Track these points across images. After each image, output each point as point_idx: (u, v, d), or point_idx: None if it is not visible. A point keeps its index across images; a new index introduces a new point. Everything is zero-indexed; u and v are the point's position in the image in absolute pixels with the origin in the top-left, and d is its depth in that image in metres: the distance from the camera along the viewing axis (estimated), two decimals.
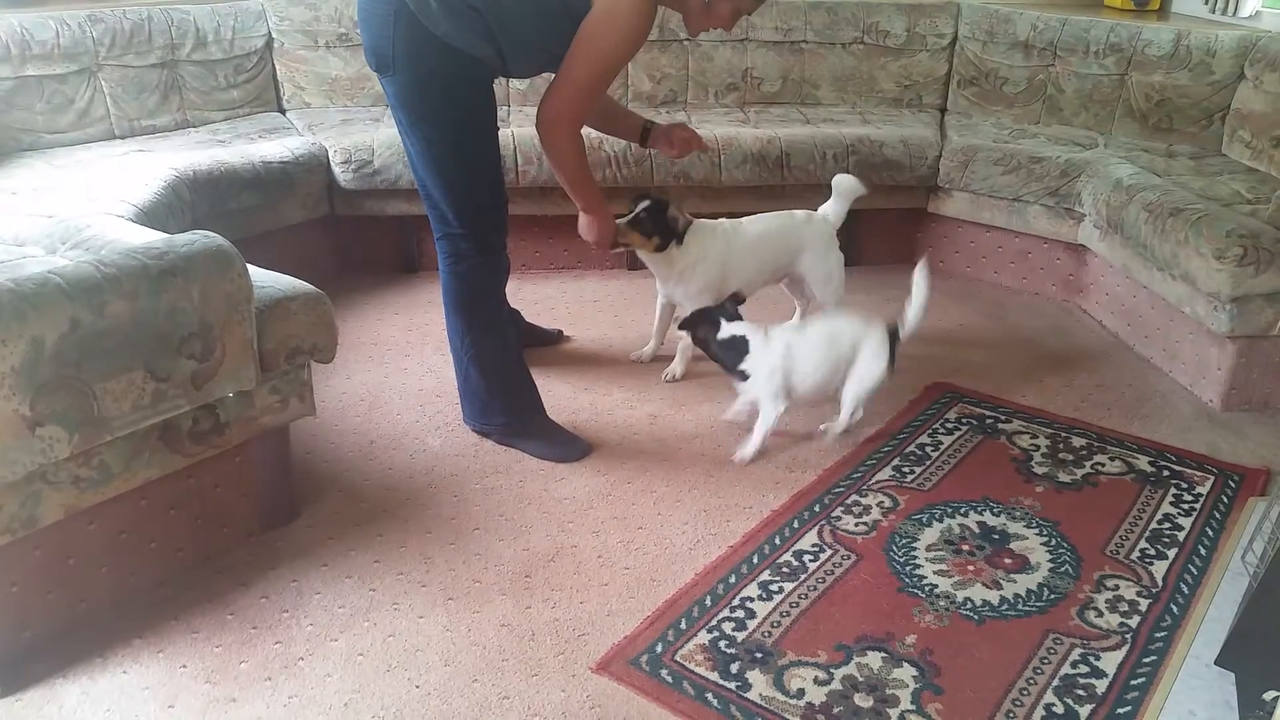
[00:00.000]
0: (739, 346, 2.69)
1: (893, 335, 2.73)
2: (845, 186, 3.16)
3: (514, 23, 2.36)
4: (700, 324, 2.77)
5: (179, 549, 2.17)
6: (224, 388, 2.06)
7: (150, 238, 2.20)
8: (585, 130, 2.64)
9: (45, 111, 3.35)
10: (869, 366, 2.69)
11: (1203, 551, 2.32)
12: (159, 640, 2.00)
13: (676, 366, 3.10)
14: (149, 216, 2.71)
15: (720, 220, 3.07)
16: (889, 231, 3.95)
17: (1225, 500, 2.52)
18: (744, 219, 3.10)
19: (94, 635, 1.99)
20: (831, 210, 3.17)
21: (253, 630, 2.03)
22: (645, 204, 2.88)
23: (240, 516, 2.28)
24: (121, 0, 3.64)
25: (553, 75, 2.48)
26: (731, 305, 2.77)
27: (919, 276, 2.74)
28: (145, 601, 2.09)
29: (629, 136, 3.03)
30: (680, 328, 2.87)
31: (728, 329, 2.71)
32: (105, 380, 1.82)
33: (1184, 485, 2.58)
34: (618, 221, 2.84)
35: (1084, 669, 1.96)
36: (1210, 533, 2.39)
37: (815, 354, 2.68)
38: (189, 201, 3.03)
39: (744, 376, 2.71)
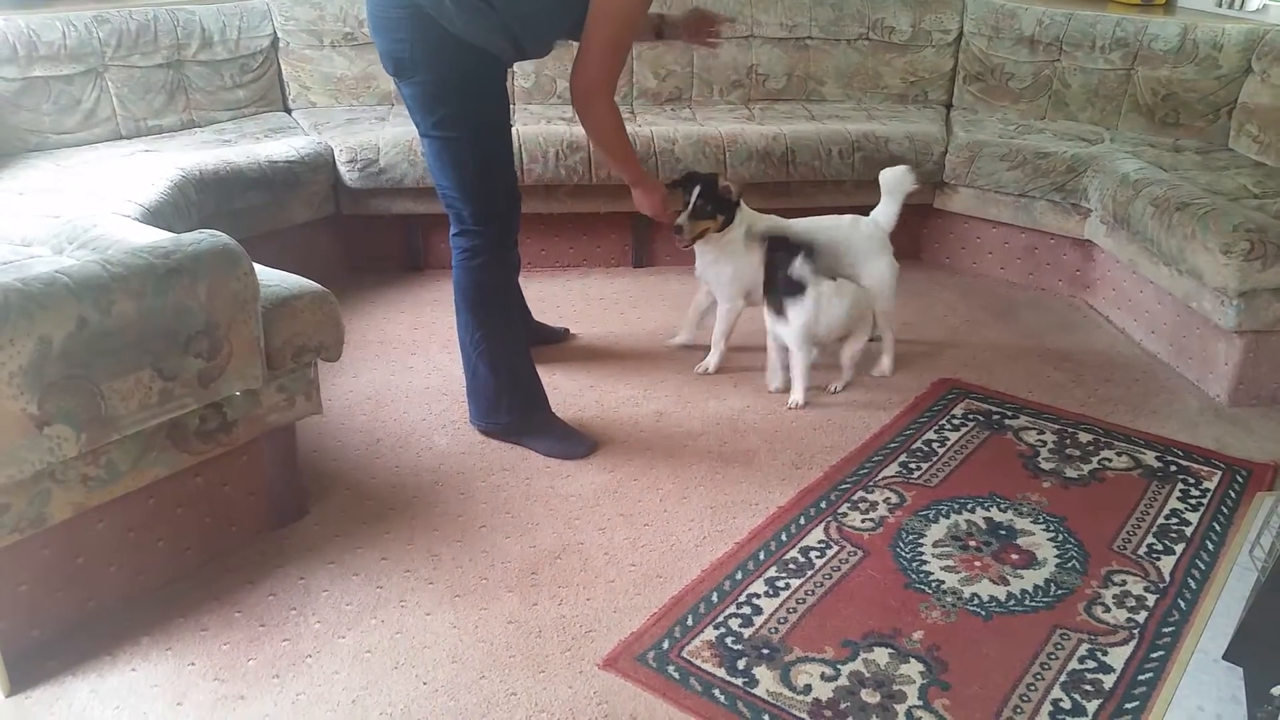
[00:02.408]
0: (795, 288, 2.81)
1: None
2: (891, 181, 3.12)
3: (528, 5, 2.37)
4: (783, 248, 2.84)
5: (187, 547, 2.18)
6: (231, 386, 2.07)
7: (157, 237, 2.21)
8: None
9: (52, 112, 3.36)
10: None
11: (1210, 546, 2.32)
12: (167, 638, 2.00)
13: (711, 359, 3.11)
14: (155, 216, 2.71)
15: (768, 215, 3.08)
16: (895, 228, 3.94)
17: (1233, 495, 2.51)
18: (793, 220, 3.10)
19: (103, 633, 2.00)
20: (882, 213, 3.13)
21: (261, 628, 2.04)
22: (697, 189, 2.89)
23: (248, 514, 2.29)
24: (127, 1, 3.65)
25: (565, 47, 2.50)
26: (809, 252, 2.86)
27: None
28: (153, 599, 2.10)
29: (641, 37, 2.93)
30: (768, 248, 2.90)
31: (799, 267, 2.80)
32: (113, 379, 1.83)
33: (1191, 480, 2.57)
34: (679, 222, 2.88)
35: (1091, 664, 1.96)
36: (1218, 528, 2.39)
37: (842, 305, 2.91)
38: (195, 201, 3.03)
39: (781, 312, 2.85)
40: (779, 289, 2.82)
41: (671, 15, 2.92)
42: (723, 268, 3.01)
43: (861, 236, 3.08)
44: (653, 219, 2.93)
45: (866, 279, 3.08)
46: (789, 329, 2.83)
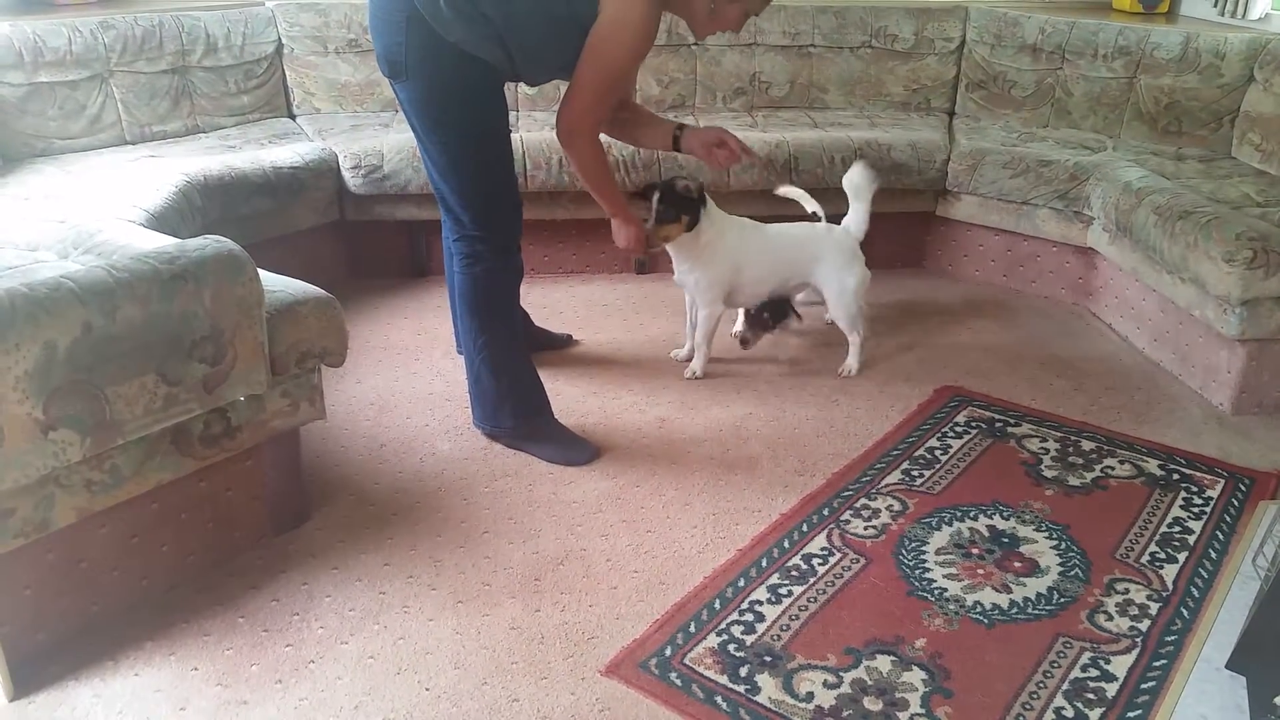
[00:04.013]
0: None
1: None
2: (856, 182, 3.14)
3: (523, 30, 2.37)
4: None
5: (190, 552, 2.18)
6: (235, 391, 2.07)
7: (162, 242, 2.22)
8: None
9: (57, 118, 3.37)
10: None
11: (1213, 555, 2.32)
12: (170, 643, 2.01)
13: (696, 363, 3.13)
14: (160, 221, 2.72)
15: (741, 218, 3.09)
16: (897, 235, 3.94)
17: (1236, 504, 2.51)
18: (767, 225, 3.12)
19: (106, 638, 2.01)
20: (852, 220, 3.15)
21: (264, 633, 2.04)
22: (657, 195, 2.90)
23: (251, 520, 2.29)
24: (133, 7, 3.67)
25: (565, 83, 2.50)
26: None
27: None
28: (157, 604, 2.10)
29: (658, 145, 2.92)
30: None
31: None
32: (117, 384, 1.83)
33: (1194, 489, 2.57)
34: (646, 226, 2.88)
35: (1094, 673, 1.96)
36: (1221, 536, 2.39)
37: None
38: (200, 206, 3.04)
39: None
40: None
41: (692, 127, 2.86)
42: (700, 274, 3.02)
43: (832, 244, 3.11)
44: (629, 250, 2.88)
45: (832, 286, 3.11)
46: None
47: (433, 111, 2.43)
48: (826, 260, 3.10)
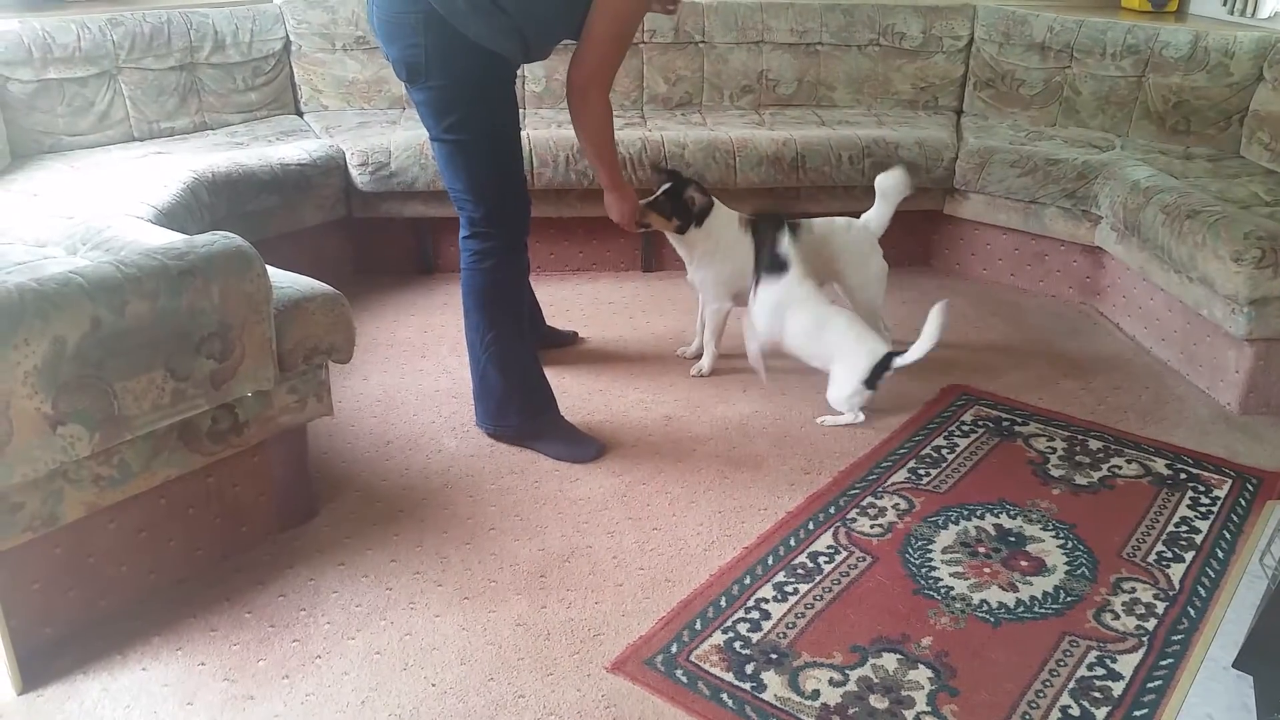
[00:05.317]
0: (780, 264, 2.86)
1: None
2: (887, 185, 3.14)
3: (540, 9, 2.39)
4: (771, 222, 2.90)
5: (198, 547, 2.19)
6: (243, 387, 2.07)
7: (170, 238, 2.22)
8: None
9: (66, 114, 3.38)
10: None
11: (1220, 554, 2.31)
12: (178, 638, 2.01)
13: (705, 361, 3.13)
14: (168, 218, 2.73)
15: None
16: (905, 234, 3.91)
17: (1243, 503, 2.51)
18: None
19: (114, 632, 2.01)
20: (874, 216, 3.15)
21: (270, 628, 2.05)
22: (666, 186, 2.94)
23: (258, 515, 2.30)
24: (141, 3, 3.68)
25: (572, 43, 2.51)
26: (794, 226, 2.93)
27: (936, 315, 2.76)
28: (164, 599, 2.11)
29: None
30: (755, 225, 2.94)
31: (784, 244, 2.85)
32: (126, 379, 1.84)
33: (1201, 488, 2.57)
34: (640, 203, 2.90)
35: (1100, 671, 1.96)
36: (1228, 536, 2.38)
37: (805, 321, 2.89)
38: (208, 203, 3.05)
39: (755, 283, 2.90)
40: (763, 262, 2.88)
41: None
42: (705, 272, 3.04)
43: (852, 240, 3.10)
44: (619, 225, 2.91)
45: (853, 280, 3.11)
46: (754, 303, 2.90)
47: (450, 110, 2.43)
48: (845, 257, 3.09)
